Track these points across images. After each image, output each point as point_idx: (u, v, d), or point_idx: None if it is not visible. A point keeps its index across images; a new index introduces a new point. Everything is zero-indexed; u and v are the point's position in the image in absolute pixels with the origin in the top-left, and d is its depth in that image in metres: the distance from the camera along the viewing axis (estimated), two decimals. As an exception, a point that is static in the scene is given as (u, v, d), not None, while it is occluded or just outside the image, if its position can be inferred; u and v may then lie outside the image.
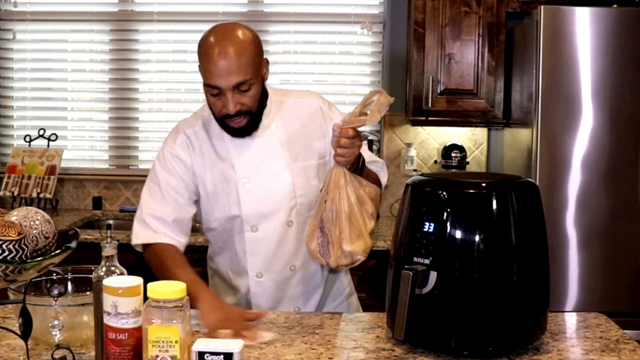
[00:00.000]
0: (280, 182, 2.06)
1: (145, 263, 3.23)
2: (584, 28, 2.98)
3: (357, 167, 1.94)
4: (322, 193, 1.92)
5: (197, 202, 2.10)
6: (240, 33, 1.93)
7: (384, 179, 2.17)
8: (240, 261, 2.11)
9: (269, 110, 2.07)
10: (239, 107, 1.93)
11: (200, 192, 2.08)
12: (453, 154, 3.69)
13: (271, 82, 4.14)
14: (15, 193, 3.79)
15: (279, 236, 2.07)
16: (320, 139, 2.11)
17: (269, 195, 2.05)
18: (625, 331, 1.80)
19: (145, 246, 2.04)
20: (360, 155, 1.95)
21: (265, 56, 2.01)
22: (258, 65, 1.95)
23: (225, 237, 2.11)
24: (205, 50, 1.92)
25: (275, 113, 2.09)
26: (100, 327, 1.42)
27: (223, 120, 1.98)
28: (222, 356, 1.34)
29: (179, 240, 2.04)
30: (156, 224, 2.03)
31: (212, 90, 1.92)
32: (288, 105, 2.12)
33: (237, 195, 2.05)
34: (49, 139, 3.90)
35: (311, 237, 1.93)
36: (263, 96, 2.02)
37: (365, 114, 1.84)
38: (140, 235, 2.04)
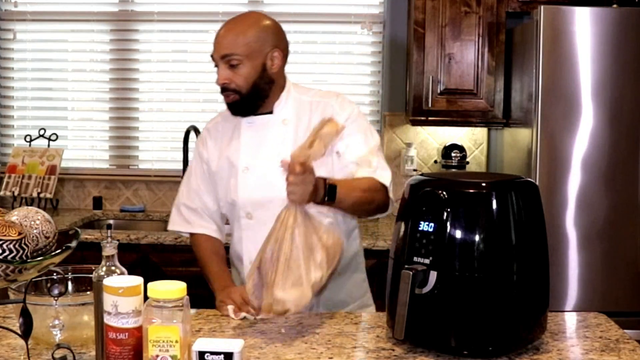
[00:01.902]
0: (278, 172, 2.06)
1: (145, 263, 3.24)
2: (584, 28, 2.99)
3: (323, 199, 1.80)
4: (270, 231, 1.73)
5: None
6: (248, 17, 2.15)
7: (383, 179, 2.05)
8: (238, 248, 2.18)
9: (285, 105, 2.14)
10: (227, 82, 2.06)
11: (211, 178, 2.21)
12: (453, 154, 3.69)
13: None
14: (16, 193, 3.79)
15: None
16: None
17: (265, 183, 2.09)
18: (625, 331, 1.80)
19: (191, 235, 2.26)
20: (325, 186, 1.80)
21: (278, 47, 2.12)
22: (256, 49, 2.07)
23: (230, 220, 2.22)
24: None
25: (291, 108, 2.15)
26: (100, 326, 1.42)
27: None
28: (222, 356, 1.35)
29: (211, 227, 2.22)
30: (189, 214, 2.23)
31: (214, 62, 2.09)
32: (304, 104, 2.17)
33: (237, 180, 2.13)
34: (49, 139, 3.91)
35: (249, 275, 1.74)
36: (264, 82, 2.09)
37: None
38: (176, 222, 2.26)
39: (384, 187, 2.03)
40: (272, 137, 2.12)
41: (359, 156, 2.06)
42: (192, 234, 2.24)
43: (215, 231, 2.23)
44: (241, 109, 2.10)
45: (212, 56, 2.10)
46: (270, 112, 2.14)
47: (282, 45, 2.14)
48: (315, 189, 1.75)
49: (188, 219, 2.23)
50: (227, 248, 2.25)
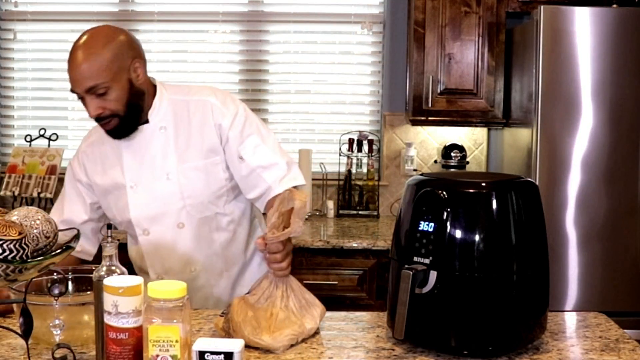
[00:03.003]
0: (167, 184, 2.06)
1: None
2: (584, 28, 2.99)
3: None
4: (246, 296, 1.71)
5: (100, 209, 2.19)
6: (97, 37, 1.96)
7: (298, 181, 2.05)
8: (142, 263, 2.16)
9: (159, 110, 2.07)
10: (100, 111, 1.96)
11: (100, 201, 2.15)
12: (453, 154, 3.69)
13: (271, 82, 4.14)
14: (16, 193, 3.79)
15: (172, 239, 2.08)
16: (212, 138, 2.06)
17: (155, 198, 2.06)
18: (625, 331, 1.80)
19: None
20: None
21: (136, 57, 2.02)
22: (118, 68, 1.95)
23: (130, 238, 2.18)
24: (68, 56, 1.96)
25: (166, 112, 2.08)
26: (100, 326, 1.42)
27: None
28: (222, 356, 1.35)
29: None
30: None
31: (77, 96, 1.97)
32: (179, 103, 2.10)
33: (126, 199, 2.08)
34: (49, 139, 3.91)
35: (216, 323, 1.73)
36: (136, 96, 2.01)
37: (284, 222, 1.68)
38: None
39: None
40: (153, 147, 2.06)
41: (264, 159, 2.05)
42: None
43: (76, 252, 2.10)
44: (123, 131, 2.03)
45: (73, 91, 1.96)
46: (146, 122, 2.07)
47: (138, 53, 2.04)
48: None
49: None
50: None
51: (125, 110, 1.99)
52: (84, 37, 1.96)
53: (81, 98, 1.97)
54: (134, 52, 2.02)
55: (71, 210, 2.15)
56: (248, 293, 1.73)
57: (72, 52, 1.94)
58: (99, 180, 2.12)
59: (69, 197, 2.17)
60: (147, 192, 2.07)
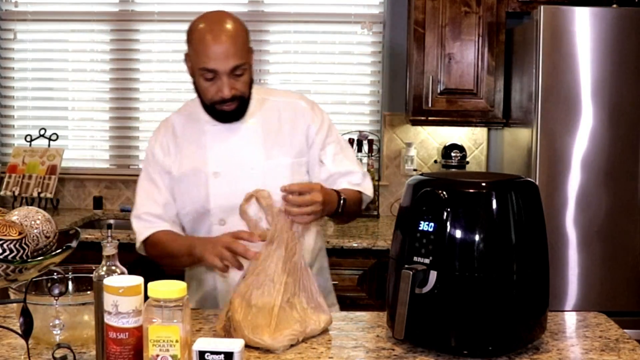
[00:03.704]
0: (251, 177, 2.06)
1: (145, 262, 3.22)
2: (584, 28, 2.99)
3: (336, 212, 1.93)
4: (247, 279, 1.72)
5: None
6: (232, 19, 2.01)
7: (368, 192, 2.13)
8: None
9: (250, 106, 2.09)
10: (234, 92, 1.98)
11: (173, 185, 2.12)
12: (453, 154, 3.69)
13: (271, 82, 4.14)
14: (16, 193, 3.80)
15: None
16: (300, 139, 2.11)
17: (238, 189, 2.03)
18: (625, 330, 1.80)
19: (145, 243, 2.09)
20: (339, 200, 1.92)
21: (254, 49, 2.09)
22: (249, 51, 2.02)
23: (196, 229, 2.13)
24: (200, 35, 1.96)
25: (256, 109, 2.10)
26: (100, 326, 1.43)
27: (213, 106, 2.02)
28: (222, 355, 1.35)
29: (175, 229, 2.10)
30: (152, 218, 2.09)
31: (208, 75, 1.96)
32: (269, 103, 2.14)
33: (207, 187, 2.07)
34: (49, 139, 3.91)
35: (219, 322, 1.72)
36: (252, 82, 2.07)
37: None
38: (142, 232, 2.09)
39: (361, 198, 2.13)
40: (240, 139, 2.08)
41: (342, 166, 2.12)
42: (149, 236, 2.07)
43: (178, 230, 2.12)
44: (239, 114, 2.05)
45: (207, 70, 1.94)
46: None
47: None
48: (329, 203, 1.85)
49: (151, 222, 2.08)
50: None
51: (249, 93, 2.04)
52: (219, 19, 1.99)
53: (211, 78, 1.96)
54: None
55: (169, 208, 2.14)
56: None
57: (213, 31, 1.95)
58: (175, 169, 2.10)
59: (161, 203, 2.13)
60: (230, 182, 2.06)
